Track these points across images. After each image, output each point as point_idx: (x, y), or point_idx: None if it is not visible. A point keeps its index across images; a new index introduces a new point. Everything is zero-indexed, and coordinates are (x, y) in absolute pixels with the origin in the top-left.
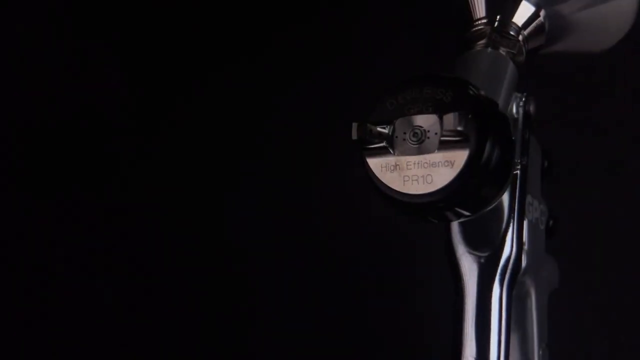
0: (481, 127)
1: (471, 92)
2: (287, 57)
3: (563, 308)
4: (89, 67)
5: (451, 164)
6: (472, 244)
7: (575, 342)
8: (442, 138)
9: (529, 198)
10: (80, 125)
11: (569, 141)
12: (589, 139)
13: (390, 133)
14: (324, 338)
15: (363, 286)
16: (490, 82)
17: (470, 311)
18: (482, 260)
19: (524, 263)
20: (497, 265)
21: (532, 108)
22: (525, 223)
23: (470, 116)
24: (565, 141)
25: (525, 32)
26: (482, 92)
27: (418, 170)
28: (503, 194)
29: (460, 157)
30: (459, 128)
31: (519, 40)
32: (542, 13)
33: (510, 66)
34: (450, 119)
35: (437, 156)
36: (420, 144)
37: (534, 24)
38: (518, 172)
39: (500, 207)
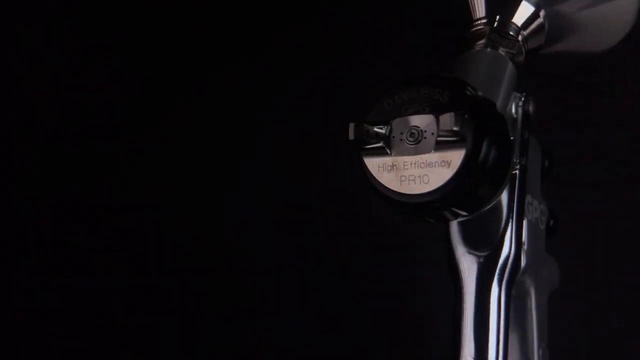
0: (478, 127)
1: (468, 92)
2: (287, 57)
3: (563, 308)
4: (89, 67)
5: (448, 164)
6: (471, 243)
7: (575, 342)
8: (439, 138)
9: (528, 198)
10: (80, 125)
11: (569, 141)
12: (589, 139)
13: (387, 133)
14: (324, 338)
15: (363, 286)
16: (489, 82)
17: (469, 311)
18: (481, 260)
19: (523, 263)
20: (496, 264)
21: (531, 108)
22: (524, 223)
23: (466, 116)
24: (565, 141)
25: (525, 32)
26: (480, 93)
27: (415, 170)
28: (501, 194)
29: (456, 157)
30: (455, 128)
31: (518, 41)
32: (541, 13)
33: (510, 66)
34: (446, 119)
35: (434, 156)
36: (417, 144)
37: (533, 24)
38: (517, 171)
39: (499, 206)
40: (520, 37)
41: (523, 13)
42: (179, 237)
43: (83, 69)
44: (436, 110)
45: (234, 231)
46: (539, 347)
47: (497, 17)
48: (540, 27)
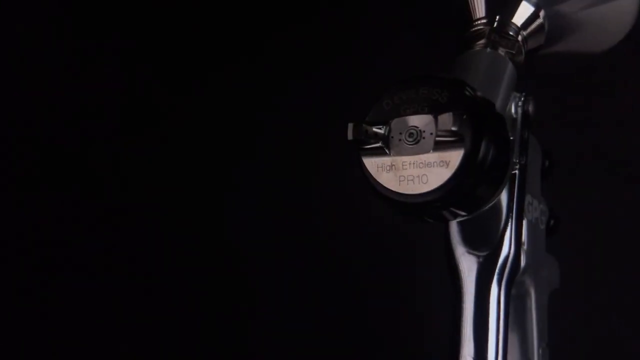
0: (476, 127)
1: (467, 92)
2: (287, 57)
3: (563, 308)
4: (89, 67)
5: (446, 164)
6: (471, 243)
7: (575, 342)
8: (438, 138)
9: (528, 198)
10: (80, 125)
11: (569, 141)
12: (589, 139)
13: (386, 133)
14: (324, 338)
15: (363, 286)
16: (488, 83)
17: (468, 311)
18: (481, 260)
19: (523, 262)
20: (496, 264)
21: (531, 108)
22: (524, 223)
23: (465, 116)
24: (565, 141)
25: (525, 33)
26: (479, 93)
27: (413, 171)
28: (500, 194)
29: (455, 157)
30: (454, 128)
31: (518, 41)
32: (541, 13)
33: (509, 66)
34: (445, 119)
35: (433, 156)
36: (415, 144)
37: (533, 24)
38: (517, 171)
39: (499, 206)
40: (520, 37)
41: (523, 13)
42: (179, 237)
43: (83, 69)
44: (435, 111)
45: (234, 231)
46: (539, 346)
47: (497, 17)
48: (540, 27)
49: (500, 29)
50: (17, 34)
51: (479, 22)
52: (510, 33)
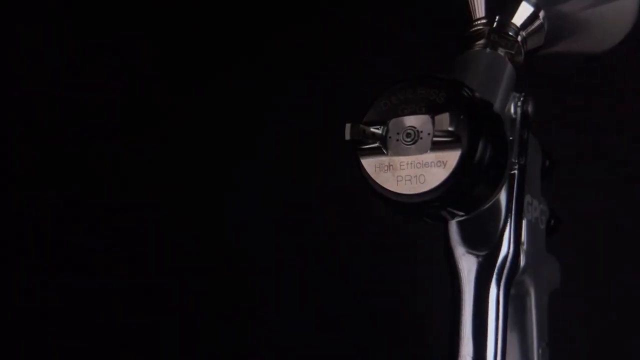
0: (473, 127)
1: (465, 93)
2: (287, 57)
3: (563, 308)
4: (89, 67)
5: (443, 164)
6: (470, 243)
7: (575, 342)
8: (435, 139)
9: (528, 197)
10: (80, 125)
11: (569, 141)
12: (589, 139)
13: (383, 133)
14: (324, 338)
15: (363, 286)
16: (487, 83)
17: (467, 310)
18: (480, 260)
19: (522, 262)
20: (495, 264)
21: (530, 108)
22: (524, 222)
23: (462, 117)
24: (565, 141)
25: (524, 33)
26: (477, 93)
27: (411, 171)
28: (498, 194)
29: (452, 157)
30: (450, 128)
31: (517, 41)
32: (541, 14)
33: (508, 67)
34: (441, 119)
35: (430, 156)
36: (413, 144)
37: (533, 25)
38: (516, 171)
39: (498, 206)
40: (519, 38)
41: (522, 13)
42: (179, 237)
43: (83, 69)
44: (432, 111)
45: (234, 231)
46: (539, 346)
47: (497, 17)
48: (540, 27)
49: (499, 29)
50: (17, 34)
51: (478, 22)
52: (510, 33)
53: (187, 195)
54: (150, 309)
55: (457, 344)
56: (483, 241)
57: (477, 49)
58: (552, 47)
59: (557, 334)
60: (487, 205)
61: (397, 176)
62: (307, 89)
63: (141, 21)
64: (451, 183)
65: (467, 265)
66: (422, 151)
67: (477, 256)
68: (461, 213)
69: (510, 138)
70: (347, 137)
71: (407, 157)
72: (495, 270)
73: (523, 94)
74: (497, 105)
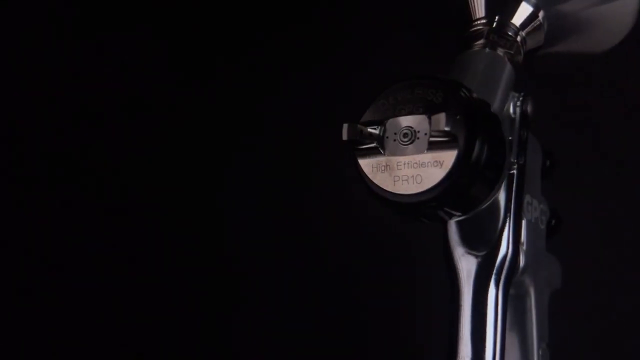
0: (470, 127)
1: (462, 93)
2: (286, 57)
3: (563, 308)
4: (89, 67)
5: (440, 164)
6: (470, 243)
7: (575, 342)
8: (431, 139)
9: (528, 197)
10: (80, 125)
11: (569, 141)
12: (589, 139)
13: (380, 134)
14: (324, 338)
15: (363, 286)
16: (486, 83)
17: (466, 311)
18: (479, 260)
19: (522, 262)
20: (494, 264)
21: (529, 108)
22: (523, 222)
23: (458, 117)
24: (565, 141)
25: (524, 33)
26: (474, 93)
27: (408, 171)
28: (496, 194)
29: (449, 157)
30: (447, 128)
31: (516, 41)
32: (541, 14)
33: (508, 67)
34: (438, 119)
35: (427, 156)
36: (410, 144)
37: (532, 25)
38: (515, 171)
39: (497, 206)
40: (519, 38)
41: (522, 13)
42: (178, 237)
43: (83, 69)
44: (429, 111)
45: (234, 231)
46: (539, 347)
47: (496, 17)
48: (539, 27)
49: (499, 29)
50: (17, 34)
51: (478, 22)
52: (509, 33)
53: (187, 195)
54: (150, 309)
55: (455, 345)
56: (482, 241)
57: (477, 49)
58: (552, 47)
59: (557, 334)
60: (485, 205)
61: (394, 176)
62: (306, 89)
63: (141, 21)
64: (448, 183)
65: (466, 265)
66: (419, 151)
67: (476, 256)
68: (458, 213)
69: (510, 138)
70: (345, 137)
71: (404, 157)
72: (494, 271)
73: (522, 93)
74: (496, 105)
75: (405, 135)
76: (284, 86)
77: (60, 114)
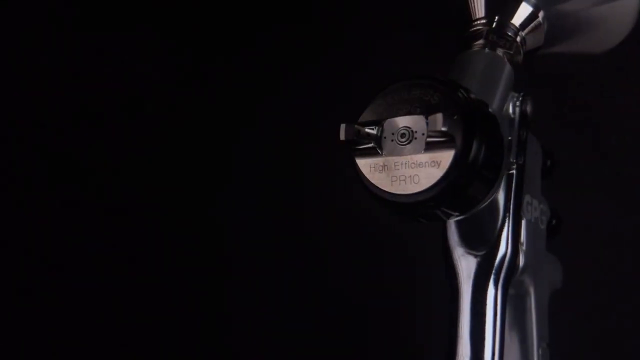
0: (467, 127)
1: (459, 93)
2: (286, 57)
3: (563, 308)
4: (89, 67)
5: (437, 164)
6: (469, 242)
7: (575, 342)
8: (429, 139)
9: (527, 197)
10: (80, 125)
11: (569, 141)
12: (589, 139)
13: (378, 134)
14: (324, 338)
15: (363, 286)
16: (485, 83)
17: (465, 311)
18: (478, 259)
19: (521, 262)
20: (493, 264)
21: (529, 108)
22: (523, 222)
23: (455, 117)
24: (565, 141)
25: (524, 33)
26: (472, 94)
27: (405, 171)
28: (494, 194)
29: (446, 157)
30: (444, 129)
31: (516, 41)
32: (540, 14)
33: (507, 67)
34: (435, 119)
35: (424, 157)
36: (407, 144)
37: (532, 25)
38: (514, 171)
39: (496, 206)
40: (518, 38)
41: (522, 14)
42: (178, 237)
43: (83, 69)
44: (427, 111)
45: (234, 231)
46: (539, 346)
47: (496, 17)
48: (539, 27)
49: (498, 30)
50: (17, 34)
51: (478, 22)
52: (509, 33)
53: (187, 195)
54: (150, 309)
55: (454, 344)
56: (481, 241)
57: (476, 49)
58: (551, 47)
59: (557, 334)
60: (483, 205)
61: (392, 176)
62: (306, 89)
63: (141, 21)
64: (445, 183)
65: (466, 265)
66: (416, 151)
67: (476, 256)
68: (456, 213)
69: (509, 138)
70: (342, 137)
71: (401, 157)
72: (494, 270)
73: (522, 93)
74: (495, 105)
75: (402, 135)
76: (283, 86)
77: (60, 114)
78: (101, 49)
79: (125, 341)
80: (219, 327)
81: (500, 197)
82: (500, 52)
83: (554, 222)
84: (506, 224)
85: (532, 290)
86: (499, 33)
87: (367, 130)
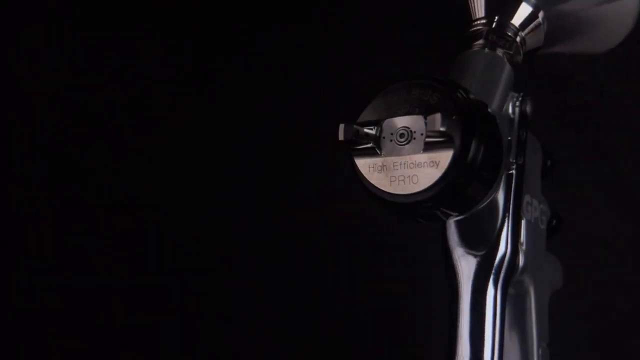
0: (465, 128)
1: (458, 94)
2: (285, 57)
3: (563, 308)
4: (89, 67)
5: (436, 164)
6: (469, 242)
7: (575, 342)
8: (427, 139)
9: (527, 197)
10: (80, 125)
11: (569, 141)
12: (589, 139)
13: (377, 134)
14: (324, 338)
15: (363, 286)
16: (485, 83)
17: (464, 311)
18: (478, 259)
19: (521, 262)
20: (492, 264)
21: (528, 108)
22: (523, 222)
23: (454, 117)
24: (565, 141)
25: (523, 33)
26: (471, 94)
27: (404, 171)
28: (493, 194)
29: (444, 157)
30: (442, 129)
31: (516, 41)
32: (540, 14)
33: (507, 67)
34: (433, 119)
35: (423, 157)
36: (406, 144)
37: (532, 25)
38: (514, 171)
39: (496, 206)
40: (518, 38)
41: (522, 14)
42: (178, 237)
43: (83, 69)
44: (425, 112)
45: (234, 231)
46: (539, 346)
47: (496, 17)
48: (539, 28)
49: (498, 30)
50: (17, 34)
51: (478, 22)
52: (509, 34)
53: (187, 194)
54: (150, 309)
55: (454, 344)
56: (481, 241)
57: (476, 49)
58: (551, 48)
59: (557, 334)
60: (482, 205)
61: (391, 176)
62: (306, 89)
63: (141, 21)
64: (444, 183)
65: (465, 265)
66: (415, 151)
67: (475, 256)
68: (455, 213)
69: (509, 138)
70: (341, 137)
71: (400, 157)
72: (493, 270)
73: (521, 94)
74: (494, 106)
75: (401, 135)
76: (283, 86)
77: (60, 114)
78: (101, 49)
79: (125, 341)
80: (219, 327)
81: (500, 197)
82: (500, 52)
83: (554, 222)
84: (506, 224)
85: (532, 290)
86: (498, 33)
87: (366, 130)
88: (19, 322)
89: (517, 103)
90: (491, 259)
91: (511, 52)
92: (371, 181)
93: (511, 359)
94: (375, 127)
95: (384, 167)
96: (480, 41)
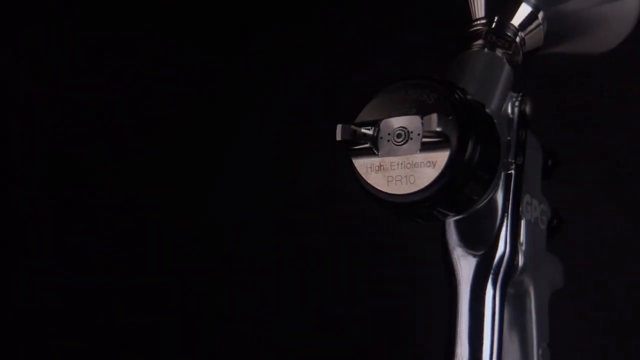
0: (462, 128)
1: (455, 94)
2: (285, 57)
3: (563, 308)
4: (89, 67)
5: (433, 164)
6: (468, 242)
7: (575, 342)
8: (424, 139)
9: (527, 197)
10: (81, 126)
11: (569, 141)
12: (589, 139)
13: (374, 134)
14: (324, 338)
15: (363, 286)
16: (483, 83)
17: (463, 310)
18: (477, 259)
19: (520, 262)
20: (491, 264)
21: (528, 108)
22: (523, 222)
23: (450, 117)
24: (565, 141)
25: (523, 33)
26: (469, 94)
27: (401, 171)
28: (491, 194)
29: (441, 158)
30: (439, 129)
31: (515, 41)
32: (540, 14)
33: (506, 67)
34: (430, 120)
35: (420, 157)
36: (403, 144)
37: (532, 26)
38: (513, 171)
39: (495, 206)
40: (518, 38)
41: (521, 14)
42: (178, 237)
43: (83, 69)
44: (422, 112)
45: (233, 231)
46: (539, 346)
47: (496, 17)
48: (539, 28)
49: (498, 30)
50: (17, 34)
51: (477, 22)
52: (508, 34)
53: (187, 194)
54: (150, 309)
55: (452, 345)
56: (480, 241)
57: (475, 49)
58: (551, 48)
59: (557, 334)
60: (481, 205)
61: (388, 176)
62: (306, 89)
63: (141, 21)
64: (440, 183)
65: (464, 265)
66: (412, 152)
67: (474, 256)
68: (452, 213)
69: (508, 138)
70: (338, 137)
71: (397, 157)
72: (492, 270)
73: (521, 94)
74: (493, 106)
75: (398, 135)
76: (283, 86)
77: (60, 114)
78: (101, 49)
79: (125, 341)
80: (219, 327)
81: (499, 197)
82: (499, 52)
83: (554, 222)
84: (505, 224)
85: (532, 290)
86: (498, 33)
87: (363, 130)
88: (19, 322)
89: (517, 103)
90: (490, 259)
91: (510, 53)
92: (369, 181)
93: (511, 359)
94: (373, 128)
95: (382, 167)
96: (480, 41)
